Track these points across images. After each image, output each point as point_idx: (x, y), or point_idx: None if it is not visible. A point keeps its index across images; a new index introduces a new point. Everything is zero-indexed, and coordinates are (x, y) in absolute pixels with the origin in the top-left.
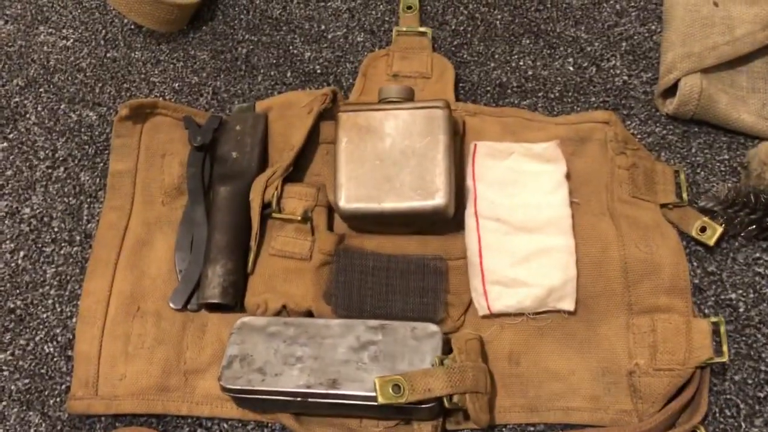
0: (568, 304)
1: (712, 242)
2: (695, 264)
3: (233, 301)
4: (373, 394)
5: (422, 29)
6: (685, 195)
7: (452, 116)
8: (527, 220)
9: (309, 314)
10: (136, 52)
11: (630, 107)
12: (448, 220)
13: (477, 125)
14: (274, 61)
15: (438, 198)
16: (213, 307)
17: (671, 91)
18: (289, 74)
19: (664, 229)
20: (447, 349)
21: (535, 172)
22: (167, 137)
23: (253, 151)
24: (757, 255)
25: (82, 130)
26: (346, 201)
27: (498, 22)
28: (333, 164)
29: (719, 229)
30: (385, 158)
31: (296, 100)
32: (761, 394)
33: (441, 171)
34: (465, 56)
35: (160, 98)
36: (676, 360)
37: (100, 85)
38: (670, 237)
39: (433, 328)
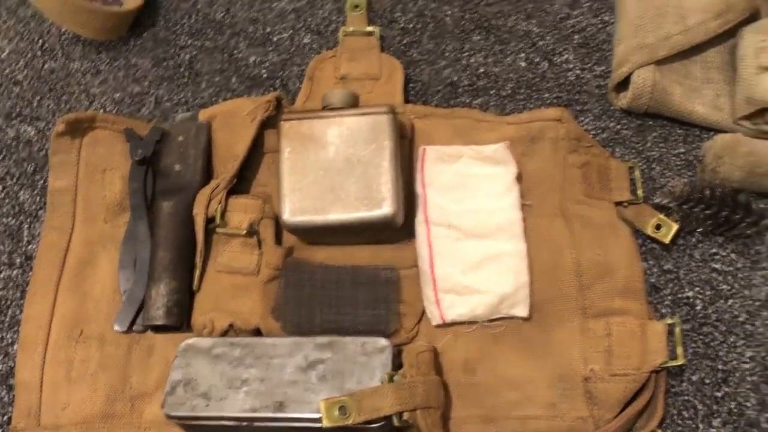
0: (522, 311)
1: (667, 240)
2: (651, 262)
3: (179, 322)
4: (320, 415)
5: (370, 29)
6: (640, 192)
7: (398, 121)
8: (477, 226)
9: (258, 332)
10: (75, 62)
11: (584, 102)
12: (399, 229)
13: (426, 128)
14: (219, 67)
15: (385, 207)
16: (159, 329)
17: (624, 84)
18: (234, 80)
19: (617, 230)
20: (399, 362)
21: (485, 175)
22: (108, 151)
23: (196, 162)
24: (714, 251)
25: (20, 146)
26: (291, 214)
27: (448, 18)
28: (276, 175)
29: (674, 227)
30: (329, 168)
31: (240, 108)
32: (719, 394)
33: (387, 179)
34: (414, 55)
35: (101, 110)
36: (631, 364)
37: (38, 98)
38: (623, 238)
39: (382, 342)
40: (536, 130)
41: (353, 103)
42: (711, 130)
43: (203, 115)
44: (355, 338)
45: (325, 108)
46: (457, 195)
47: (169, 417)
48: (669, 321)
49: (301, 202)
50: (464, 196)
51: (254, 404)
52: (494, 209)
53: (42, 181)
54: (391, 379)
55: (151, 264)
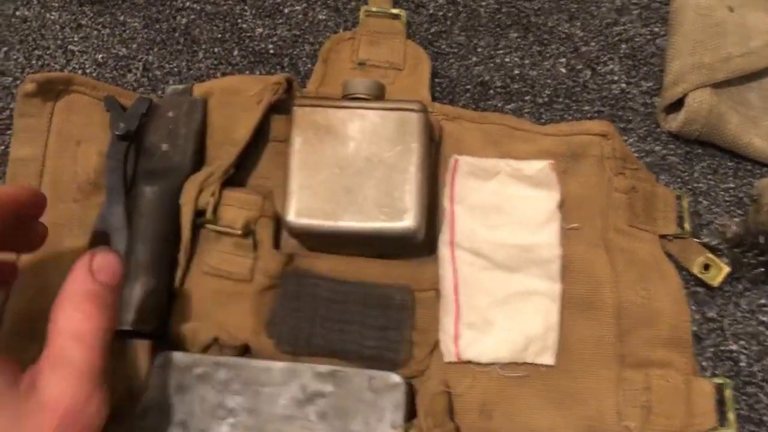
0: (549, 359)
1: (716, 282)
2: (694, 308)
3: (153, 329)
4: None
5: (395, 11)
6: (687, 225)
7: (429, 121)
8: (509, 259)
9: (245, 349)
10: (53, 13)
11: (627, 120)
12: (417, 244)
13: (455, 132)
14: (219, 36)
15: (407, 219)
16: (130, 335)
17: (676, 105)
18: (236, 52)
19: (664, 269)
20: (412, 404)
21: (524, 198)
22: (84, 121)
23: (186, 144)
24: (763, 301)
25: None
26: (297, 215)
27: (482, 9)
28: (282, 169)
29: (725, 269)
30: (347, 166)
31: (243, 86)
32: None
33: (412, 187)
34: (443, 47)
35: (80, 71)
36: (673, 426)
37: (5, 49)
38: (670, 279)
39: (394, 378)
40: (578, 145)
41: (379, 94)
42: (765, 165)
43: (198, 89)
44: (361, 370)
45: (345, 97)
46: (490, 219)
47: None
48: (718, 381)
49: (310, 202)
50: (498, 222)
51: None
52: (531, 244)
53: (3, 147)
54: None
55: (127, 258)
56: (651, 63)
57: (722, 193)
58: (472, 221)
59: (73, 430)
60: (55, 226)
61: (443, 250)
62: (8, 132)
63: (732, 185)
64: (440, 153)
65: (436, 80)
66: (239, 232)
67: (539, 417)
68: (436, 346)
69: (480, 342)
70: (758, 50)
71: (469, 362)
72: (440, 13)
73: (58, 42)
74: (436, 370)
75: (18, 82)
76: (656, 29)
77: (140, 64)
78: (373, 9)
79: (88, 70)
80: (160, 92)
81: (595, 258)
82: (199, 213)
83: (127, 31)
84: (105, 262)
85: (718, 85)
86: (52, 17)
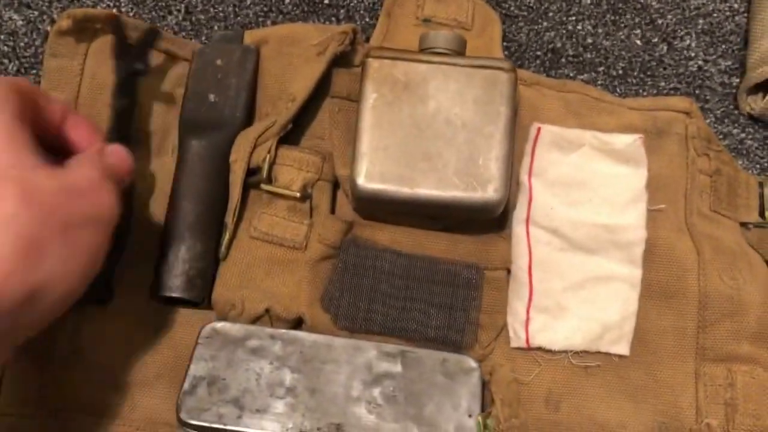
0: (623, 348)
1: None
2: None
3: (201, 297)
4: None
5: None
6: None
7: (518, 84)
8: (590, 239)
9: (298, 323)
10: None
11: (704, 99)
12: (492, 219)
13: (533, 99)
14: None
15: (491, 190)
16: (172, 301)
17: (759, 87)
18: (287, 0)
19: (751, 258)
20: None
21: (610, 175)
22: None
23: (238, 95)
24: None
25: (2, 37)
26: (367, 179)
27: None
28: (353, 127)
29: None
30: (425, 128)
31: (303, 36)
32: None
33: (498, 155)
34: (512, 9)
35: (114, 9)
36: (762, 426)
37: None
38: (758, 269)
39: (469, 362)
40: (663, 122)
41: (460, 50)
42: None
43: (250, 37)
44: (432, 352)
45: (424, 51)
46: (571, 196)
47: (186, 425)
48: None
49: (382, 165)
50: (579, 198)
51: (303, 424)
52: (614, 224)
53: None
54: (485, 426)
55: (172, 218)
56: (729, 41)
57: None
58: (551, 197)
59: (86, 194)
60: None
61: (517, 227)
62: (32, 71)
63: None
64: (517, 121)
65: (504, 44)
66: (297, 194)
67: (609, 410)
68: (502, 330)
69: (552, 328)
70: None
71: (538, 349)
72: None
73: None
74: (499, 355)
75: (44, 17)
76: (735, 6)
77: (182, 5)
78: None
79: (123, 9)
80: (203, 38)
81: (679, 243)
82: (250, 172)
83: None
84: (117, 148)
85: None
86: None
